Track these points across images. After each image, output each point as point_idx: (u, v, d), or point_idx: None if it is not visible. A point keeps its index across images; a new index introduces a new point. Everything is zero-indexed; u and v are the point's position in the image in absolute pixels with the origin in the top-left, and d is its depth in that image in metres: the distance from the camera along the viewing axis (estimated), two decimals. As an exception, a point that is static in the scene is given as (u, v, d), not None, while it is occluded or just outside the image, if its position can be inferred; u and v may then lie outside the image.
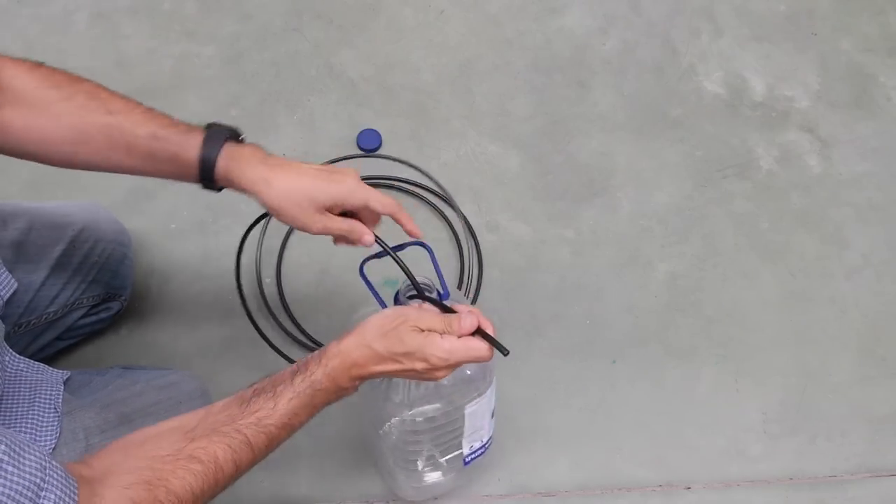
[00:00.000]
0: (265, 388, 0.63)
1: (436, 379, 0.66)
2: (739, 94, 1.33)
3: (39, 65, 0.71)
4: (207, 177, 0.71)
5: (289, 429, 0.63)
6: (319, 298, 1.11)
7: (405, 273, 0.71)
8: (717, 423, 1.05)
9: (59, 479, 0.51)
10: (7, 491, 0.46)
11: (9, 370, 0.77)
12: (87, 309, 0.98)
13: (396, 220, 0.75)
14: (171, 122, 0.71)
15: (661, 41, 1.38)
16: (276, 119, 1.27)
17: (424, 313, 0.65)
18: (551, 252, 1.17)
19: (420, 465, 0.87)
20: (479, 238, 1.17)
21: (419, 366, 0.64)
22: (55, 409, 0.76)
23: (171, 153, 0.70)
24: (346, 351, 0.64)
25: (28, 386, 0.76)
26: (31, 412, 0.74)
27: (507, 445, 1.02)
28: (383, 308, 0.71)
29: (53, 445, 0.73)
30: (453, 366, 0.65)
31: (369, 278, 0.75)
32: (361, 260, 0.74)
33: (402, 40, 1.37)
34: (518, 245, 1.17)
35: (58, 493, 0.50)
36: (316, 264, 1.14)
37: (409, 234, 0.76)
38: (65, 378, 0.80)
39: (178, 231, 1.16)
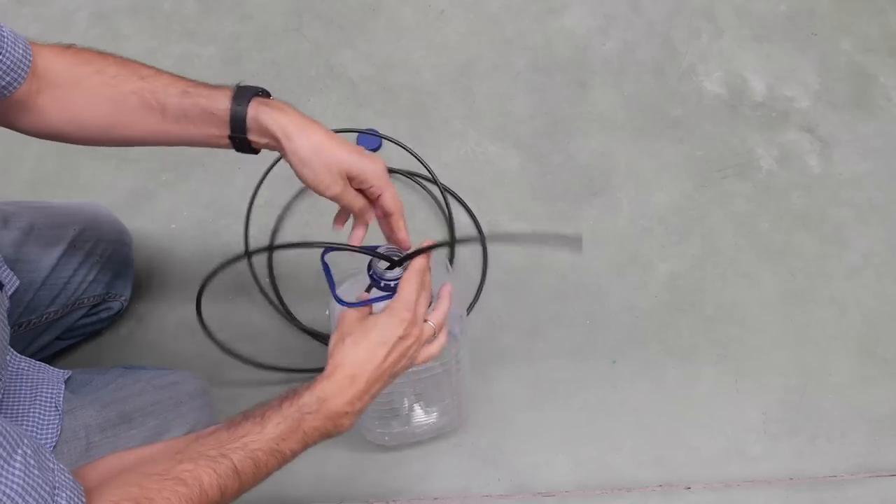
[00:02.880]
0: (255, 412, 0.62)
1: (417, 344, 0.67)
2: (739, 94, 1.33)
3: (68, 47, 0.71)
4: (239, 127, 0.70)
5: (278, 456, 0.61)
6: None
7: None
8: (717, 423, 1.05)
9: (69, 481, 0.52)
10: (33, 483, 0.49)
11: (10, 369, 0.77)
12: (87, 309, 0.99)
13: (394, 225, 0.75)
14: (199, 82, 0.72)
15: (661, 41, 1.38)
16: (276, 119, 1.27)
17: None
18: (551, 252, 1.17)
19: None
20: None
21: (399, 330, 0.65)
22: (56, 407, 0.76)
23: (202, 108, 0.70)
24: (336, 366, 0.64)
25: (29, 384, 0.77)
26: (32, 410, 0.74)
27: (507, 445, 1.02)
28: (335, 297, 0.72)
29: (54, 443, 0.74)
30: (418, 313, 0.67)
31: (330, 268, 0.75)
32: (324, 249, 0.72)
33: (402, 40, 1.37)
34: (518, 245, 1.17)
35: (68, 493, 0.51)
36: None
37: (398, 242, 0.76)
38: (66, 377, 0.80)
39: (179, 231, 1.16)
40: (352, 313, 0.68)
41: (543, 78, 1.33)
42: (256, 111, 0.69)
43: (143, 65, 0.72)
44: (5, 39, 0.65)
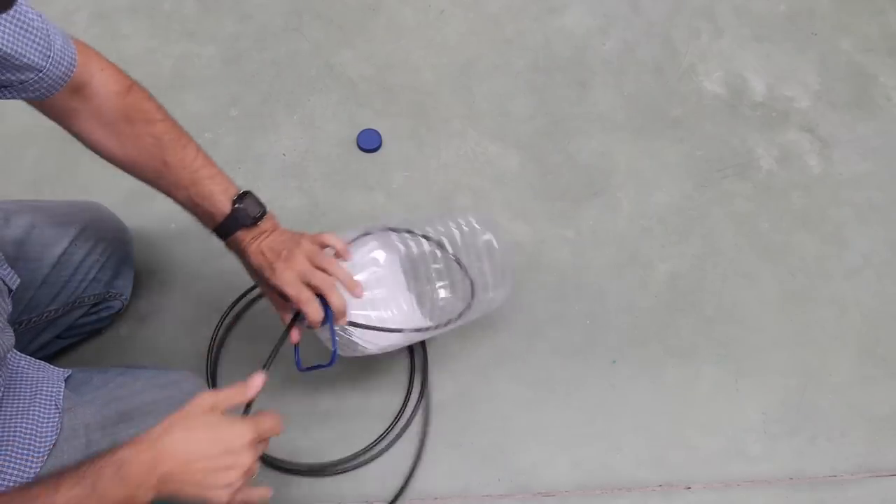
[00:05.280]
0: (50, 478, 0.59)
1: (239, 469, 0.64)
2: (739, 94, 1.33)
3: (130, 90, 0.79)
4: (221, 237, 0.83)
5: None
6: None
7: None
8: (717, 423, 1.05)
9: None
10: None
11: (10, 367, 0.77)
12: (87, 308, 0.99)
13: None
14: (209, 190, 0.80)
15: (661, 41, 1.38)
16: (276, 119, 1.27)
17: (219, 392, 0.67)
18: (551, 252, 1.17)
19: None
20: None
21: (232, 444, 0.63)
22: (56, 405, 0.76)
23: (199, 215, 0.82)
24: (148, 437, 0.61)
25: (29, 383, 0.77)
26: (31, 409, 0.74)
27: (507, 445, 1.02)
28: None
29: (54, 441, 0.74)
30: (256, 442, 0.66)
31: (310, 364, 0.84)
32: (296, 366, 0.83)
33: (402, 40, 1.37)
34: (518, 245, 1.17)
35: None
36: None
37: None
38: (66, 376, 0.80)
39: (179, 231, 1.16)
40: (207, 399, 0.66)
41: (543, 78, 1.33)
42: (240, 242, 0.82)
43: (178, 147, 0.79)
44: (51, 58, 0.70)
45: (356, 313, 0.83)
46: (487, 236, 0.93)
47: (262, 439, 0.67)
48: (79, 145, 0.81)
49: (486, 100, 1.31)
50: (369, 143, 1.24)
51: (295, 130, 1.27)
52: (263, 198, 1.20)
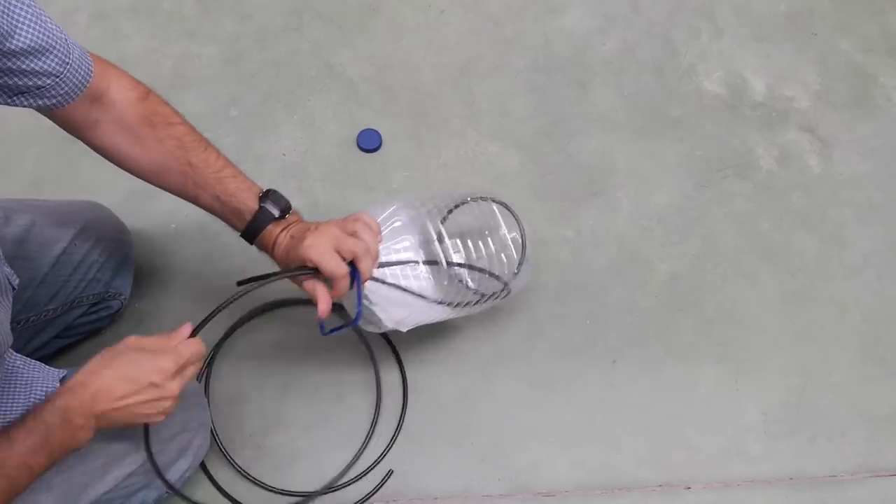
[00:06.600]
0: (3, 428, 0.64)
1: (169, 398, 0.71)
2: (739, 94, 1.33)
3: (147, 95, 0.79)
4: (249, 239, 0.82)
5: (27, 473, 0.65)
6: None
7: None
8: (717, 423, 1.05)
9: None
10: None
11: (6, 367, 0.77)
12: (86, 307, 0.99)
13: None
14: (235, 187, 0.80)
15: (661, 41, 1.38)
16: (276, 119, 1.27)
17: (145, 337, 0.73)
18: (551, 252, 1.17)
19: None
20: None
21: (155, 377, 0.69)
22: (50, 405, 0.76)
23: (227, 214, 0.82)
24: (80, 382, 0.68)
25: (24, 383, 0.77)
26: (26, 408, 0.74)
27: (507, 445, 1.02)
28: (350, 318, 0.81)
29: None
30: (180, 371, 0.71)
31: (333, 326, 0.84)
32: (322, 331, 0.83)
33: (402, 40, 1.37)
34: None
35: None
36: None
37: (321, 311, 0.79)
38: (61, 376, 0.80)
39: (179, 231, 1.16)
40: (132, 340, 0.72)
41: (543, 78, 1.33)
42: (262, 240, 0.81)
43: (199, 149, 0.80)
44: (69, 65, 0.71)
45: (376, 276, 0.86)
46: (513, 233, 0.99)
47: (185, 367, 0.72)
48: (80, 145, 0.81)
49: (486, 100, 1.31)
50: (369, 143, 1.24)
51: (295, 130, 1.27)
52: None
